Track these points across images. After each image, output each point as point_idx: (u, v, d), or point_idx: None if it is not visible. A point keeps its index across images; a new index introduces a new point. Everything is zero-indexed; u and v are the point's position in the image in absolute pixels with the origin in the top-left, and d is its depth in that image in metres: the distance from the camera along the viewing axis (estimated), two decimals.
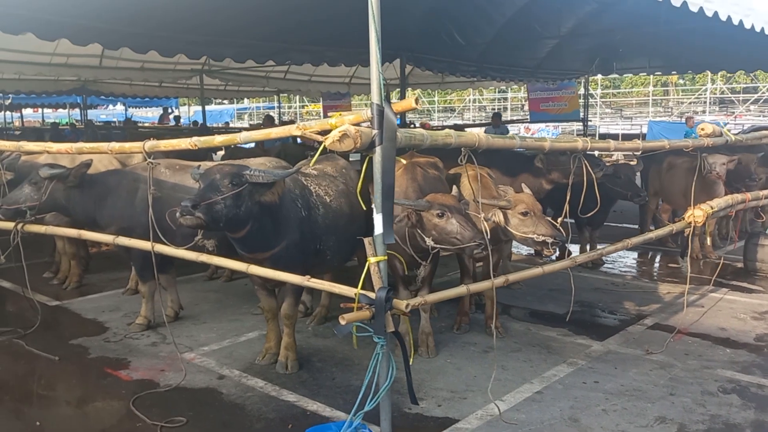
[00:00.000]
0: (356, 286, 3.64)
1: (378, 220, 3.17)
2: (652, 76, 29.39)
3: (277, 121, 19.61)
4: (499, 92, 37.09)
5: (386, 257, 3.28)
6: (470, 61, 13.45)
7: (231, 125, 35.17)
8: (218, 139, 4.28)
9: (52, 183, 5.71)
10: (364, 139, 2.97)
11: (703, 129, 6.04)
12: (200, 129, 16.61)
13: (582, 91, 18.27)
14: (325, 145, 3.05)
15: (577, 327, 6.10)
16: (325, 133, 3.23)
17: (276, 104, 40.15)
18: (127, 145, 4.87)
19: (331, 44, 10.81)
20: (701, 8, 6.19)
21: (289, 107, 44.03)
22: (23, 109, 32.29)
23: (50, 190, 5.71)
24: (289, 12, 9.39)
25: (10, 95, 22.56)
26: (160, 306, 5.90)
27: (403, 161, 5.06)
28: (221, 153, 11.72)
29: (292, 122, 24.40)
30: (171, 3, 8.33)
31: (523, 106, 35.88)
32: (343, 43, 10.88)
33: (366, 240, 3.31)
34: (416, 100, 3.06)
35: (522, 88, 30.78)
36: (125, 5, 8.07)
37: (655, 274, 8.58)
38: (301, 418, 4.37)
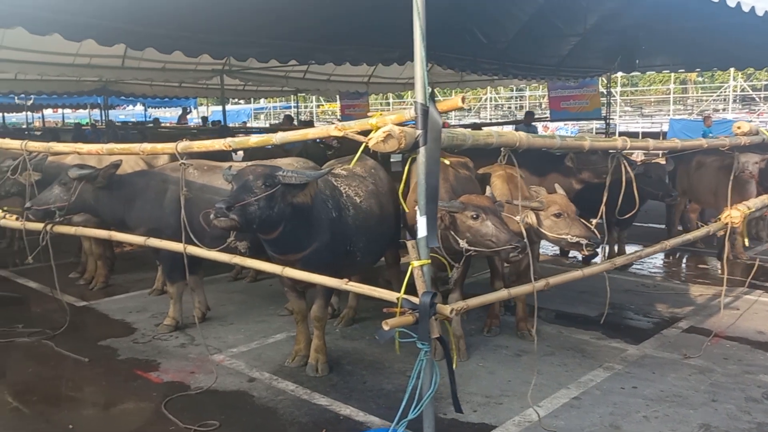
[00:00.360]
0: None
1: (422, 222, 3.09)
2: (672, 74, 29.01)
3: (295, 121, 19.59)
4: (516, 90, 36.82)
5: (429, 261, 3.19)
6: (492, 59, 13.32)
7: (248, 125, 35.31)
8: (253, 140, 4.22)
9: (81, 184, 5.70)
10: (408, 140, 2.89)
11: (739, 127, 5.89)
12: (220, 129, 16.62)
13: (603, 89, 18.05)
14: (369, 146, 2.97)
15: (611, 330, 5.98)
16: (365, 133, 3.15)
17: (293, 104, 40.24)
18: (159, 146, 4.83)
19: (353, 43, 10.74)
20: (738, 3, 6.07)
21: (306, 107, 44.06)
22: (44, 110, 32.69)
23: (79, 190, 5.70)
24: (312, 11, 9.34)
25: (32, 96, 22.80)
26: (191, 306, 5.87)
27: (447, 162, 4.97)
28: (241, 153, 11.70)
29: (310, 122, 24.40)
30: (195, 3, 8.32)
31: (540, 104, 35.67)
32: (365, 41, 10.81)
33: (409, 243, 3.23)
34: (462, 99, 2.97)
35: (540, 86, 30.55)
36: (150, 5, 8.07)
37: (684, 275, 8.41)
38: (334, 423, 4.31)
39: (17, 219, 6.57)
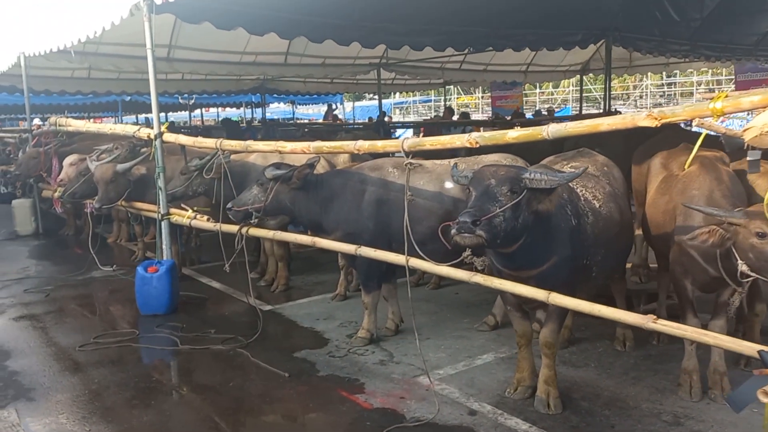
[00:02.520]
0: None
1: None
2: None
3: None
4: (666, 77, 33.56)
5: None
6: (682, 40, 11.84)
7: (392, 120, 35.18)
8: (511, 135, 3.53)
9: (277, 184, 5.34)
10: None
11: None
12: (376, 124, 16.33)
13: None
14: (746, 140, 2.16)
15: None
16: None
17: (434, 97, 39.59)
18: (380, 143, 4.29)
19: (532, 27, 9.85)
20: None
21: (445, 99, 43.27)
22: (202, 109, 34.53)
23: (275, 191, 5.34)
24: None
25: (194, 95, 23.94)
26: (401, 315, 5.30)
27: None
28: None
29: (466, 114, 23.50)
30: None
31: (693, 92, 32.56)
32: (546, 25, 9.89)
33: None
34: None
35: (695, 72, 27.33)
36: None
37: None
38: None
39: (209, 220, 6.43)
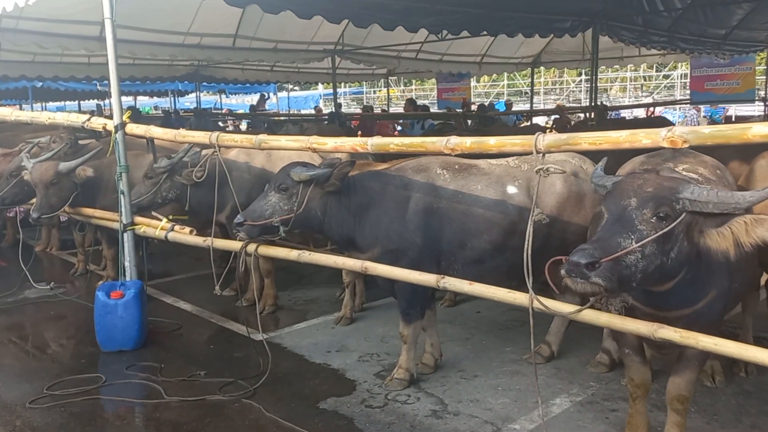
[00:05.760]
0: None
1: None
2: None
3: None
4: (612, 71, 34.03)
5: None
6: (662, 31, 11.46)
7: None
8: (758, 131, 2.53)
9: (310, 188, 4.16)
10: None
11: None
12: (332, 115, 15.13)
13: (763, 66, 15.81)
14: None
15: None
16: None
17: (364, 89, 38.39)
18: (493, 141, 3.18)
19: (527, 11, 9.03)
20: None
21: (374, 92, 42.16)
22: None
23: (307, 198, 4.16)
24: None
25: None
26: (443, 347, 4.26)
27: None
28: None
29: (425, 107, 22.59)
30: None
31: (639, 87, 33.24)
32: (540, 9, 9.12)
33: None
34: None
35: (628, 68, 27.69)
36: None
37: None
38: None
39: (192, 232, 5.16)
